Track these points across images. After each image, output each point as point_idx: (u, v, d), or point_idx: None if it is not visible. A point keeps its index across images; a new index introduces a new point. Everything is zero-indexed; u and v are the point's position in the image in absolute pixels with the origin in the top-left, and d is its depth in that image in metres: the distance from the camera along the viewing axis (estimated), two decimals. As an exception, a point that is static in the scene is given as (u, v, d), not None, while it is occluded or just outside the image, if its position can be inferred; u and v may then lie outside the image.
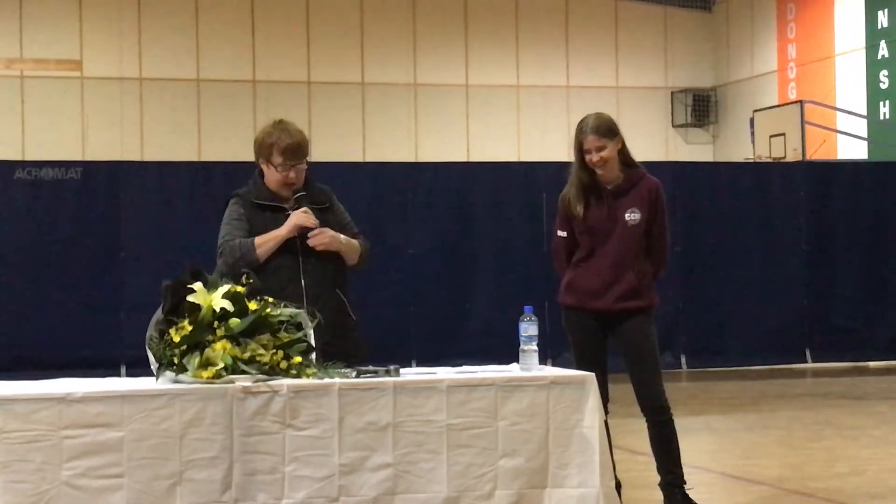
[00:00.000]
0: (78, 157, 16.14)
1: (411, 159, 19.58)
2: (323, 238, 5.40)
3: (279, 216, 5.47)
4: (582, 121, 5.98)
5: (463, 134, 21.25)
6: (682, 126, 22.49)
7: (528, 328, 5.01)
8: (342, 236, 5.49)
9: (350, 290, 5.56)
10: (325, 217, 5.52)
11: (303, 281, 5.39)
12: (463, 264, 13.85)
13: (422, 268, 13.72)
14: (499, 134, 21.27)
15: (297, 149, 5.44)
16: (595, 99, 19.81)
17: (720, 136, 22.62)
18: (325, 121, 19.80)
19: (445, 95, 21.17)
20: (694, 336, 14.31)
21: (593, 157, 5.89)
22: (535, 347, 5.01)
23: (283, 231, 5.39)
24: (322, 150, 17.99)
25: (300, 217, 5.39)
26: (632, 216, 5.95)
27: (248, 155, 16.13)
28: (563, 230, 6.07)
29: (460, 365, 5.48)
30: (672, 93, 22.42)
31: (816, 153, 17.95)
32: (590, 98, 20.20)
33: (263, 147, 5.49)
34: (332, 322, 5.18)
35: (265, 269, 5.39)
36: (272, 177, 5.48)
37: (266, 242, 5.40)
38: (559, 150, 18.95)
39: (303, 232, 5.41)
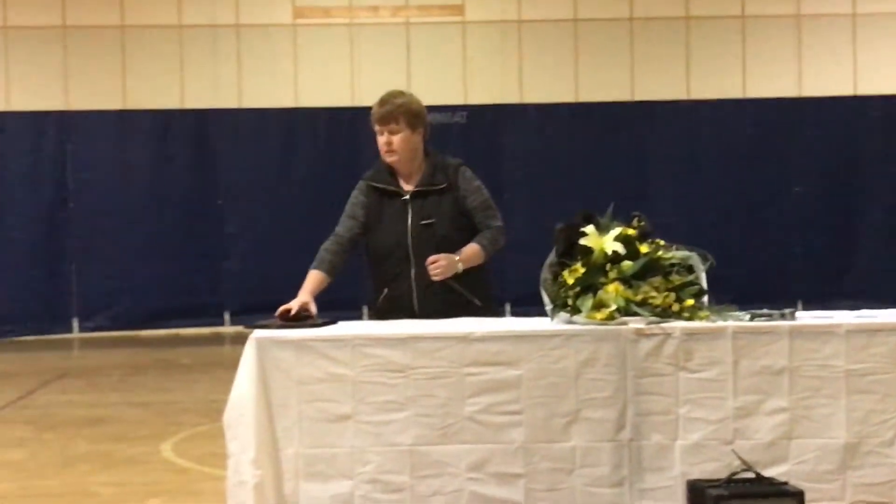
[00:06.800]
0: (461, 102, 16.61)
1: (795, 94, 18.99)
2: (437, 270, 5.29)
3: (395, 202, 5.45)
4: None
5: (850, 65, 20.39)
6: None
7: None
8: (458, 256, 5.32)
9: (477, 272, 5.42)
10: (439, 199, 5.45)
11: (412, 272, 5.38)
12: (851, 202, 13.38)
13: (807, 206, 13.36)
14: (890, 64, 20.27)
15: (387, 114, 5.42)
16: None
17: None
18: (704, 56, 19.49)
19: (830, 25, 20.36)
20: None
21: None
22: (939, 291, 4.81)
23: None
24: (701, 88, 17.71)
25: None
26: None
27: (625, 94, 16.10)
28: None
29: (845, 307, 5.32)
30: None
31: None
32: None
33: (371, 118, 5.52)
34: (443, 312, 5.17)
35: (378, 255, 5.45)
36: (378, 145, 5.50)
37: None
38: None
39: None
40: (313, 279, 5.33)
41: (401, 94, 5.53)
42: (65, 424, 8.82)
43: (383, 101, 5.46)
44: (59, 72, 14.59)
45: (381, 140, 5.45)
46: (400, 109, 5.42)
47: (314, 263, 5.40)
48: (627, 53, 18.69)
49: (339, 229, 5.50)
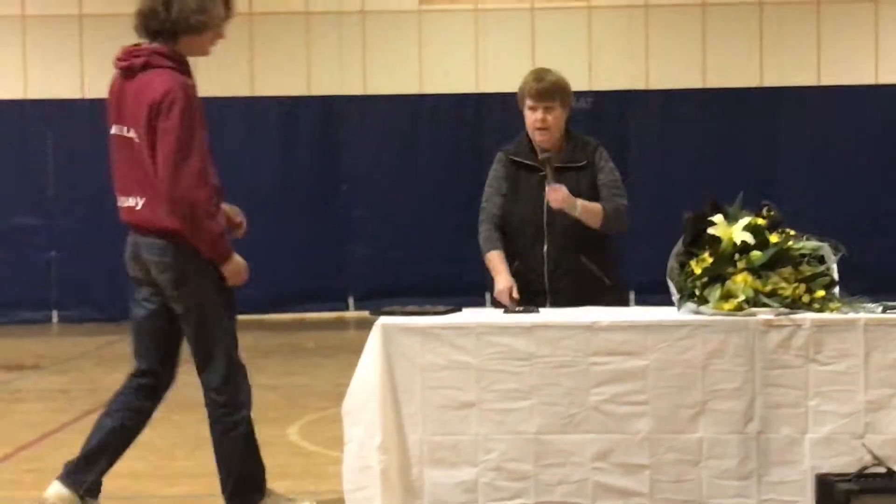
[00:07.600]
0: (586, 88, 16.53)
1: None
2: (556, 195, 5.31)
3: (533, 176, 5.46)
4: None
5: None
6: None
7: None
8: (580, 201, 5.35)
9: (608, 251, 5.46)
10: (578, 176, 5.44)
11: (545, 247, 5.39)
12: None
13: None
14: None
15: (545, 91, 5.38)
16: None
17: None
18: (835, 41, 19.11)
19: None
20: None
21: None
22: None
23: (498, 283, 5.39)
24: (832, 74, 17.37)
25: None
26: None
27: (753, 80, 15.78)
28: None
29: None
30: None
31: None
32: None
33: (520, 94, 5.48)
34: (573, 289, 5.20)
35: (511, 227, 5.46)
36: (527, 121, 5.47)
37: (490, 268, 5.45)
38: None
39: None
40: (501, 259, 5.41)
41: (549, 71, 5.54)
42: (194, 406, 8.90)
43: (539, 78, 5.46)
44: (191, 59, 14.85)
45: (535, 116, 5.45)
46: (557, 86, 5.43)
47: (487, 246, 5.46)
48: (756, 38, 18.39)
49: (491, 208, 5.54)
